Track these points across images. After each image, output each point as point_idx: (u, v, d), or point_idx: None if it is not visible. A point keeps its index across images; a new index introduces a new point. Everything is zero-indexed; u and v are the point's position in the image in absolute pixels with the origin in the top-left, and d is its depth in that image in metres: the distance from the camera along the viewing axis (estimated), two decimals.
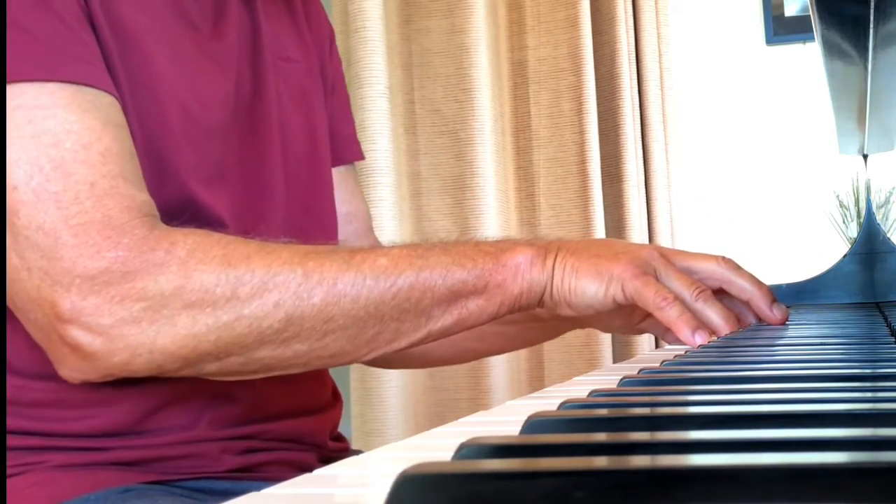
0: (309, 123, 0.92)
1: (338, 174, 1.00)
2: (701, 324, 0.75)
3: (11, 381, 0.75)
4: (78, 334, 0.67)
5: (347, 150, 1.02)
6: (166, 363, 0.69)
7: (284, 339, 0.70)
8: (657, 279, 0.76)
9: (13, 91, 0.68)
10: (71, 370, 0.70)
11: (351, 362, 0.75)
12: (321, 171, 0.94)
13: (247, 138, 0.84)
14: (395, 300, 0.72)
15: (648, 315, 0.81)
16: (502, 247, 0.77)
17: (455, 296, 0.74)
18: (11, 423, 0.75)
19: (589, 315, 0.79)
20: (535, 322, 0.97)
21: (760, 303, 0.82)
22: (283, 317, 0.69)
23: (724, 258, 0.82)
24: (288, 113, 0.89)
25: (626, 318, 0.89)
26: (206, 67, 0.81)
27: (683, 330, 0.73)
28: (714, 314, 0.76)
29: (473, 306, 0.75)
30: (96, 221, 0.67)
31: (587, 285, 0.75)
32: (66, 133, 0.68)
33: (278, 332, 0.70)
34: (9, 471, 0.73)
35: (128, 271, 0.67)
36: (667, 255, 0.80)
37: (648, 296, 0.74)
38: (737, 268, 0.82)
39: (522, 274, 0.75)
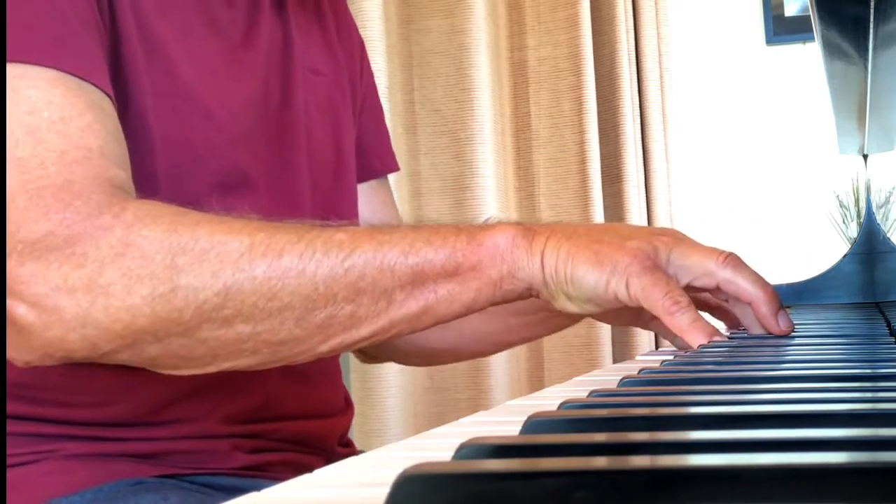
0: (335, 136, 0.91)
1: (371, 186, 0.99)
2: (716, 330, 0.67)
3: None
4: (12, 305, 0.62)
5: (383, 161, 1.02)
6: (101, 340, 0.63)
7: (226, 318, 0.64)
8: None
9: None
10: (10, 349, 0.65)
11: (310, 355, 0.68)
12: (346, 184, 0.93)
13: (274, 146, 0.83)
14: (348, 277, 0.64)
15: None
16: (482, 226, 0.68)
17: (420, 277, 0.65)
18: (27, 409, 0.74)
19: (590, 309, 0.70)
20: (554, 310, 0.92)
21: (765, 308, 0.70)
22: (220, 289, 0.63)
23: (727, 255, 0.71)
24: (315, 124, 0.88)
25: (634, 315, 0.83)
26: (233, 74, 0.80)
27: (697, 340, 0.65)
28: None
29: (444, 292, 0.66)
30: (55, 185, 0.63)
31: (585, 274, 0.66)
32: (47, 104, 0.64)
33: (217, 308, 0.63)
34: (22, 458, 0.73)
35: (71, 235, 0.62)
36: (680, 242, 0.70)
37: (656, 298, 0.65)
38: (740, 265, 0.71)
39: (502, 255, 0.66)
